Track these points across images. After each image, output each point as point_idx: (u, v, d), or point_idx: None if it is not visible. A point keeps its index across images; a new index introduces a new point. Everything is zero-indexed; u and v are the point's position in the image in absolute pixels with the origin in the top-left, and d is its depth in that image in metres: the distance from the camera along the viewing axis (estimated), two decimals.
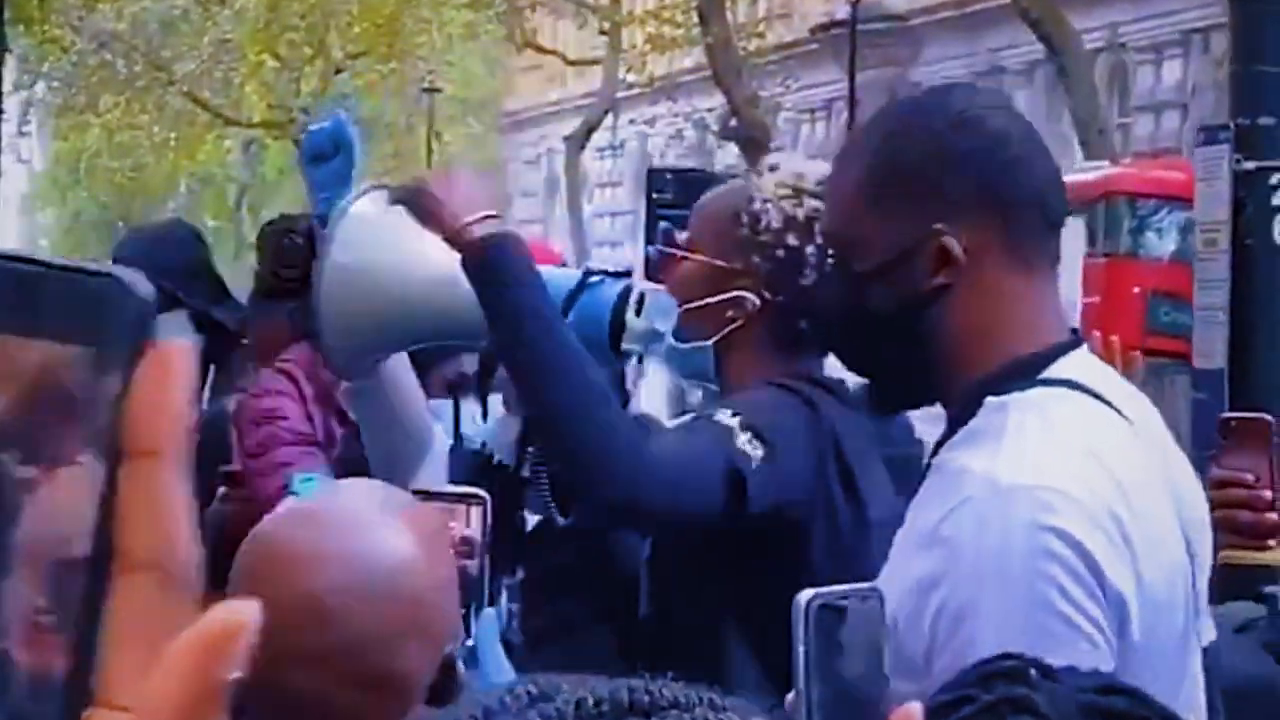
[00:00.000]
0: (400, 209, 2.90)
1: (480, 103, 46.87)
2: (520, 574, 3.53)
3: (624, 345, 2.94)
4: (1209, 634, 2.34)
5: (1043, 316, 2.21)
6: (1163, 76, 30.77)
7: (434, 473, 3.53)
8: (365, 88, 41.66)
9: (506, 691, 1.01)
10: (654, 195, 3.55)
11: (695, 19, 31.28)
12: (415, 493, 2.34)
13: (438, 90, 42.25)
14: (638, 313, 2.93)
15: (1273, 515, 3.03)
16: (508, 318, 2.68)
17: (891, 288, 2.22)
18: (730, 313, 3.03)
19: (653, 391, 4.36)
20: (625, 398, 3.35)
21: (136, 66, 41.68)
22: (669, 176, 3.50)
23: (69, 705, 0.65)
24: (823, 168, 3.05)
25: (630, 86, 36.91)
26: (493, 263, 2.74)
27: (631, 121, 39.96)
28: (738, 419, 2.83)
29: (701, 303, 3.04)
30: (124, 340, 0.68)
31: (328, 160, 3.45)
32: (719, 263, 3.04)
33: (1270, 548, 3.08)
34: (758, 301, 3.03)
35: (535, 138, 50.40)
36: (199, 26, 40.83)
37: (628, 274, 2.98)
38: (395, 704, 1.84)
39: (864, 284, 2.24)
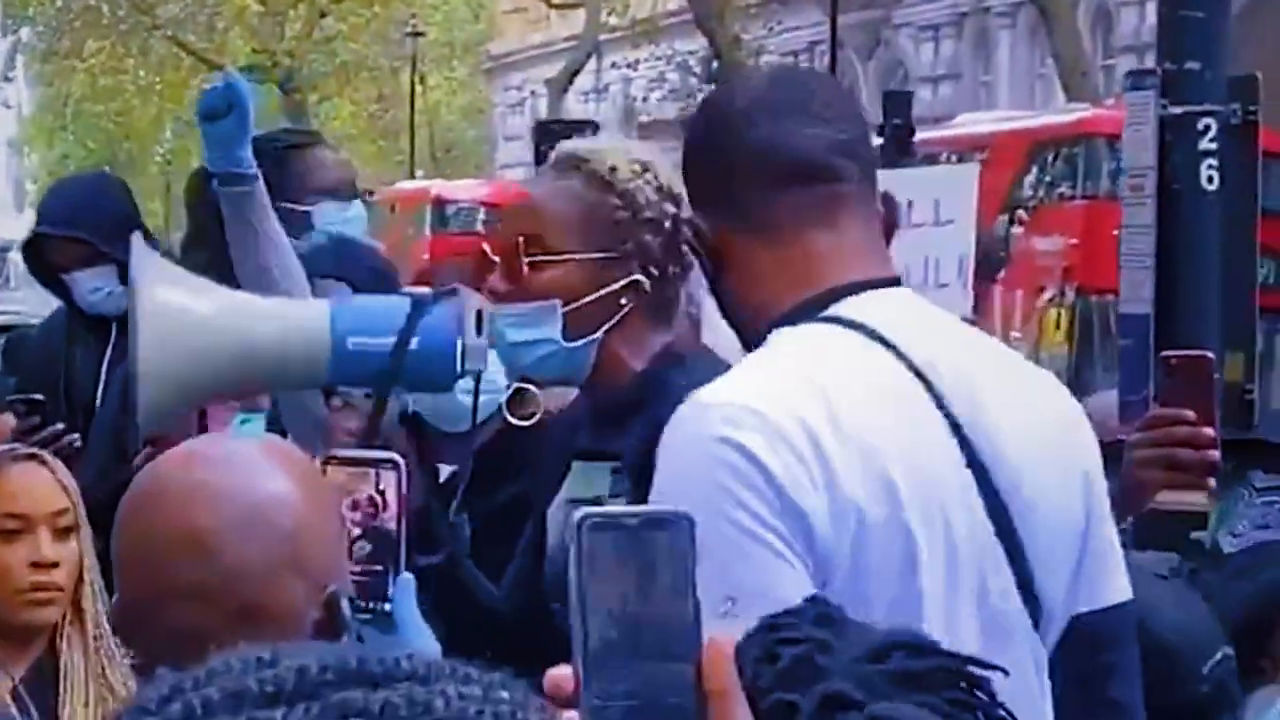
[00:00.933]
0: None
1: (464, 46, 46.73)
2: None
3: (467, 366, 2.88)
4: (1114, 592, 2.33)
5: (807, 270, 2.27)
6: (1146, 18, 30.67)
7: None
8: (349, 31, 41.55)
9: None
10: (542, 149, 3.55)
11: None
12: (331, 458, 2.35)
13: (421, 34, 42.11)
14: (478, 330, 2.87)
15: (1213, 453, 3.06)
16: None
17: (699, 264, 2.41)
18: (623, 299, 2.97)
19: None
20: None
21: (121, 11, 41.57)
22: (555, 128, 3.50)
23: None
24: (656, 146, 3.13)
25: (613, 29, 36.81)
26: None
27: (614, 65, 39.87)
28: None
29: (592, 297, 2.97)
30: None
31: (221, 119, 3.47)
32: (602, 255, 2.97)
33: (1208, 486, 3.11)
34: (647, 281, 2.98)
35: (519, 81, 50.23)
36: None
37: (451, 292, 2.92)
38: (274, 638, 1.87)
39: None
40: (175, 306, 2.80)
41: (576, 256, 2.98)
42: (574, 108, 45.33)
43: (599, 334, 2.98)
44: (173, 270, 2.96)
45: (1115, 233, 20.54)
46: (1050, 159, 20.71)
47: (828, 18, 31.47)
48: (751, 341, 2.32)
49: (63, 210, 5.16)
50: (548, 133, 3.66)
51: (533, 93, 48.30)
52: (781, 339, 2.23)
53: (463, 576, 3.12)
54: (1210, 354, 3.12)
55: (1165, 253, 5.16)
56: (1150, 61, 24.47)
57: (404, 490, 2.33)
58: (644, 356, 2.99)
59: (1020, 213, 19.97)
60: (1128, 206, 5.29)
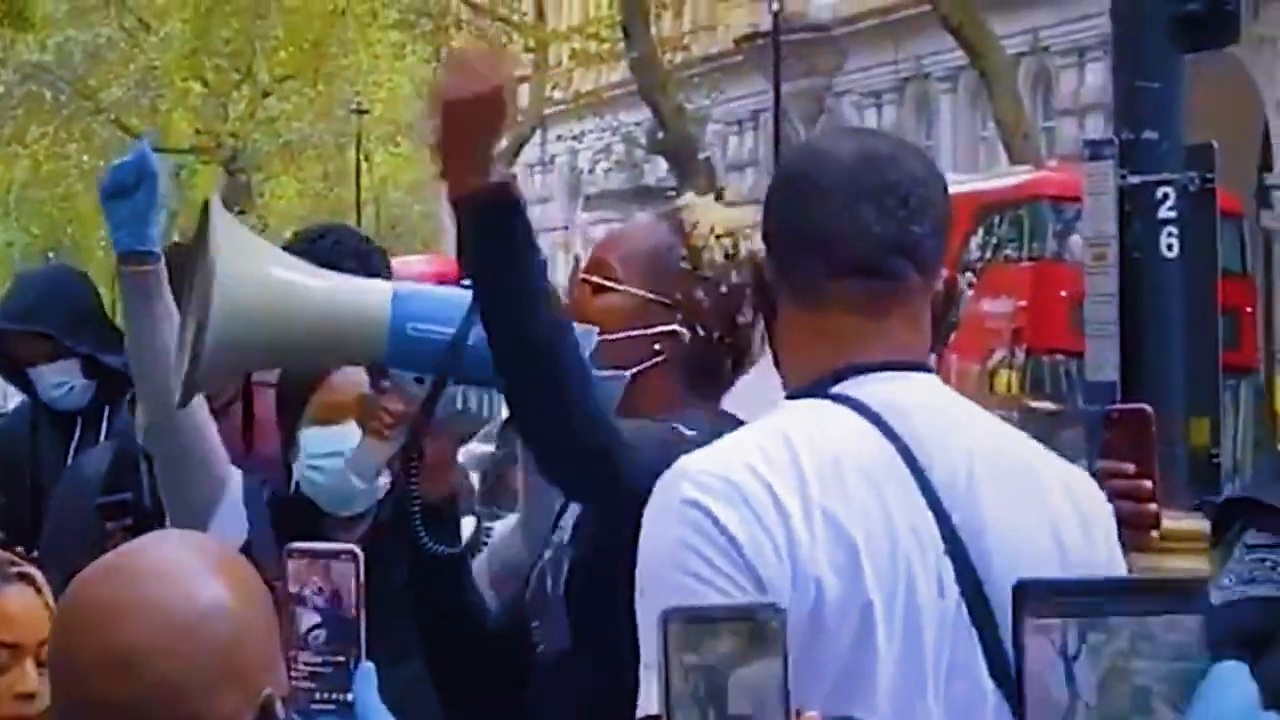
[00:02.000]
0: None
1: (409, 122, 46.81)
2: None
3: None
4: None
5: (835, 348, 2.33)
6: (1086, 79, 30.91)
7: (231, 515, 3.47)
8: (293, 110, 41.59)
9: None
10: None
11: (619, 34, 31.32)
12: (291, 550, 2.34)
13: (366, 111, 42.16)
14: None
15: (1153, 506, 3.07)
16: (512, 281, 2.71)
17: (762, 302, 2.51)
18: (658, 345, 3.01)
19: None
20: None
21: (63, 96, 41.52)
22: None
23: None
24: (752, 215, 3.12)
25: (557, 103, 36.93)
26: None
27: (560, 137, 39.97)
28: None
29: (628, 334, 3.01)
30: None
31: (130, 195, 3.35)
32: (652, 296, 3.02)
33: (1153, 539, 3.12)
34: (688, 336, 3.01)
35: None
36: (125, 55, 40.72)
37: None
38: None
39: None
40: (248, 272, 2.78)
41: (628, 290, 3.04)
42: (520, 181, 45.42)
43: (627, 373, 2.99)
44: (249, 237, 2.93)
45: (1063, 293, 20.65)
46: (996, 221, 20.86)
47: (771, 86, 31.66)
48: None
49: (23, 305, 5.16)
50: None
51: None
52: (781, 411, 2.31)
53: (465, 575, 3.09)
54: (1148, 408, 3.15)
55: (1129, 320, 5.21)
56: (1091, 123, 24.79)
57: (361, 579, 2.33)
58: (657, 411, 2.99)
59: (968, 275, 20.10)
60: (1090, 275, 5.34)
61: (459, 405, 2.96)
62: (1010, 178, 21.99)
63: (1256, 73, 26.40)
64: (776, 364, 2.43)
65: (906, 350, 2.35)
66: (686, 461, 2.23)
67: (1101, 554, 2.35)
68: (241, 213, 41.21)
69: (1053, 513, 2.32)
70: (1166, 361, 5.27)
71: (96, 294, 5.36)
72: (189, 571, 1.94)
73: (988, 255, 20.74)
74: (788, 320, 2.37)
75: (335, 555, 2.35)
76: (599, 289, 3.05)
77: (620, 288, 3.04)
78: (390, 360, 2.90)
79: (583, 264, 3.19)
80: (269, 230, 44.25)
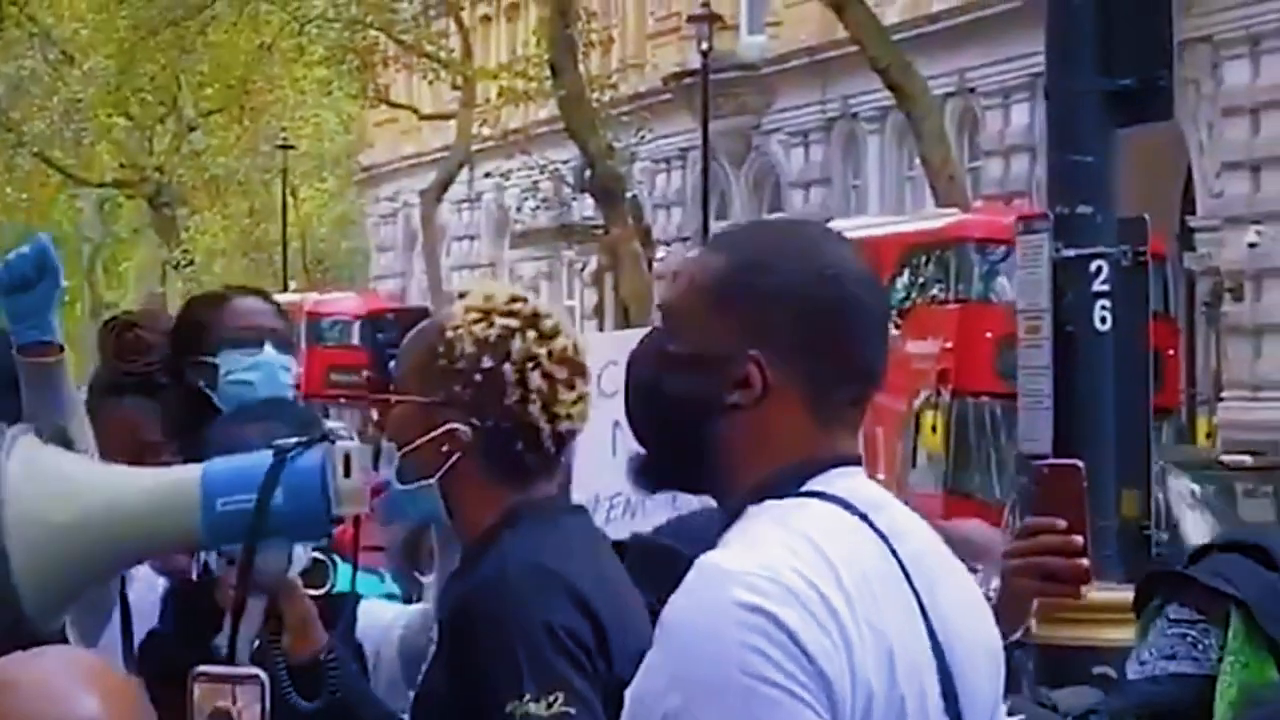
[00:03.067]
0: (55, 447, 2.85)
1: (335, 158, 46.76)
2: None
3: (339, 511, 2.87)
4: None
5: (817, 455, 2.29)
6: (1011, 120, 31.11)
7: (111, 640, 3.46)
8: (218, 145, 41.47)
9: None
10: (378, 336, 3.54)
11: (547, 72, 31.34)
12: (200, 674, 2.32)
13: (292, 147, 42.12)
14: (346, 473, 2.86)
15: (1084, 561, 3.08)
16: None
17: (691, 380, 2.32)
18: (445, 447, 3.00)
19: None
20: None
21: None
22: (390, 317, 3.50)
23: None
24: (510, 289, 3.12)
25: (485, 139, 36.92)
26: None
27: (487, 174, 39.94)
28: (526, 697, 2.79)
29: (416, 443, 3.02)
30: None
31: (32, 288, 3.29)
32: (424, 400, 3.03)
33: (1082, 595, 3.13)
34: (469, 431, 3.00)
35: (391, 192, 50.28)
36: (49, 87, 40.49)
37: (323, 438, 2.91)
38: None
39: (670, 363, 2.34)
40: (40, 514, 2.75)
41: (405, 399, 3.05)
42: (447, 218, 45.40)
43: (431, 480, 3.00)
44: (38, 465, 2.87)
45: (989, 335, 20.70)
46: (922, 262, 20.94)
47: (699, 124, 31.73)
48: (684, 477, 2.37)
49: None
50: (379, 321, 3.75)
51: (405, 203, 48.35)
52: (779, 511, 2.25)
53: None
54: (1079, 463, 3.16)
55: (1062, 393, 5.22)
56: (1016, 164, 24.87)
57: (266, 704, 2.31)
58: (495, 512, 3.00)
59: (894, 316, 20.17)
60: (1024, 349, 5.36)
61: (287, 563, 3.03)
62: (936, 219, 22.08)
63: (1181, 115, 26.63)
64: (697, 451, 2.33)
65: (851, 441, 2.36)
66: (724, 562, 2.16)
67: (999, 648, 2.41)
68: (167, 248, 41.10)
69: (972, 598, 2.37)
70: (1098, 434, 5.29)
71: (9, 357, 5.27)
72: (64, 687, 1.94)
73: (914, 296, 20.81)
74: (782, 428, 2.29)
75: (240, 679, 2.33)
76: (385, 405, 3.08)
77: (400, 398, 3.05)
78: (210, 542, 2.93)
79: None
80: (195, 266, 44.15)
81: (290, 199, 43.15)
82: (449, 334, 3.03)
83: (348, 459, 2.81)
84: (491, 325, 3.03)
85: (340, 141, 46.75)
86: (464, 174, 39.76)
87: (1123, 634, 5.16)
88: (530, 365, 3.01)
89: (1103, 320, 5.15)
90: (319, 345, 27.89)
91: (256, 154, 42.11)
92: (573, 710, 2.77)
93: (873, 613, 2.17)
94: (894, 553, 2.25)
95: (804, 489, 2.26)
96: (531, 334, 3.02)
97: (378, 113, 45.24)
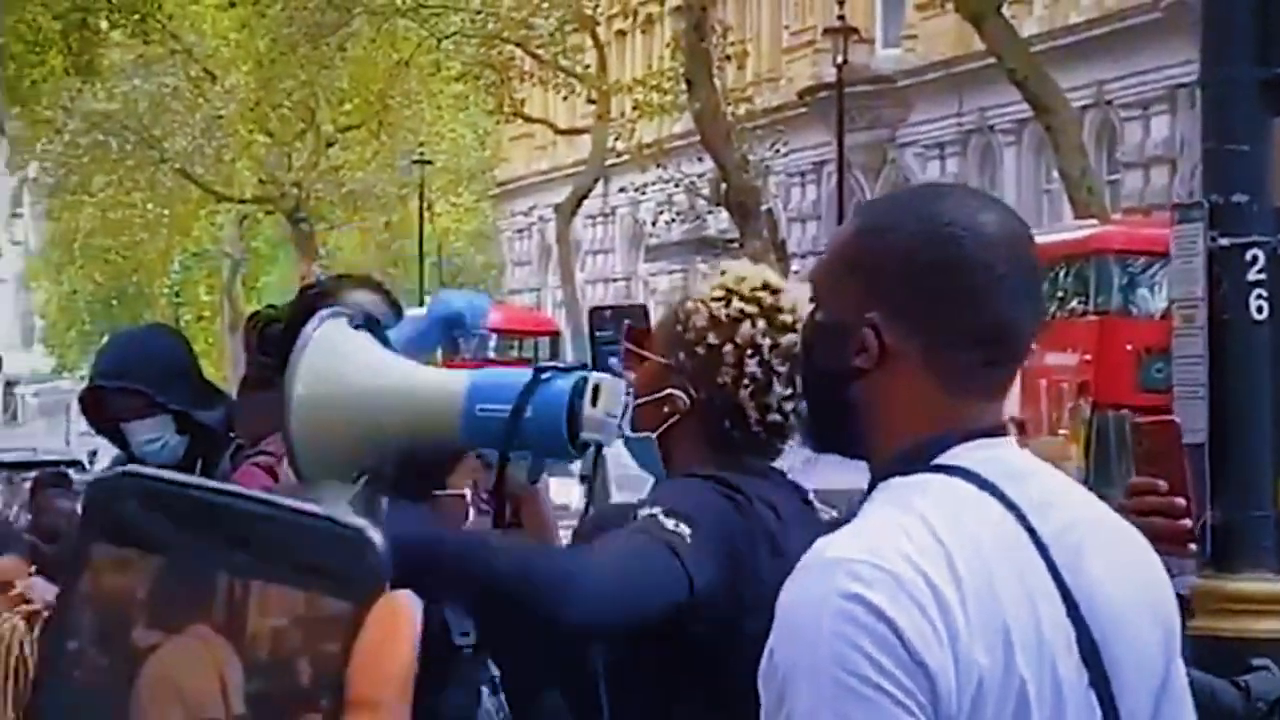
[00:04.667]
0: (363, 333, 2.95)
1: (471, 173, 47.04)
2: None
3: (582, 436, 2.99)
4: None
5: (953, 425, 2.28)
6: (1151, 132, 30.88)
7: None
8: (356, 161, 41.83)
9: None
10: (596, 334, 3.63)
11: (682, 85, 31.39)
12: None
13: (428, 162, 42.40)
14: (594, 403, 2.98)
15: (1187, 522, 3.06)
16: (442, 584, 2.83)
17: (826, 347, 2.34)
18: (665, 409, 3.15)
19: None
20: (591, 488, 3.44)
21: (128, 145, 41.85)
22: (608, 314, 3.62)
23: None
24: (770, 276, 3.22)
25: (620, 154, 37.02)
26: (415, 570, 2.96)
27: (622, 189, 40.07)
28: (658, 508, 2.93)
29: (644, 399, 3.17)
30: (360, 591, 0.70)
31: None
32: (659, 360, 3.19)
33: (1189, 552, 3.12)
34: (687, 399, 3.14)
35: (526, 206, 50.54)
36: (190, 104, 41.02)
37: (581, 366, 3.04)
38: None
39: (812, 330, 2.39)
40: (324, 396, 2.90)
41: (650, 357, 3.22)
42: (582, 232, 45.56)
43: (651, 435, 3.16)
44: (334, 344, 3.04)
45: (1129, 347, 20.41)
46: (1061, 275, 20.81)
47: (834, 138, 31.69)
48: (838, 441, 2.38)
49: (116, 363, 5.22)
50: (597, 316, 3.81)
51: (540, 218, 48.58)
52: (900, 490, 2.24)
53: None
54: (1177, 419, 3.13)
55: (1217, 383, 5.18)
56: (1156, 176, 24.58)
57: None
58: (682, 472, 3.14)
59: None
60: (1179, 338, 5.32)
61: (534, 475, 3.16)
62: (1075, 231, 21.94)
63: None
64: (842, 414, 2.35)
65: (996, 412, 2.33)
66: (831, 550, 2.16)
67: (1173, 612, 2.37)
68: (305, 262, 41.49)
69: (1139, 567, 2.34)
70: (1255, 424, 5.24)
71: (190, 351, 5.41)
72: None
73: (1052, 309, 20.69)
74: (908, 394, 2.29)
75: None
76: (633, 359, 3.25)
77: (643, 353, 3.23)
78: (464, 442, 3.06)
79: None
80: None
81: (426, 213, 43.42)
82: (689, 305, 3.18)
83: (596, 389, 2.93)
84: (729, 305, 3.15)
85: (476, 156, 47.03)
86: (599, 188, 39.90)
87: (1271, 624, 5.12)
88: (750, 353, 3.12)
89: (1259, 309, 5.10)
90: (454, 358, 28.06)
91: (393, 169, 42.43)
92: (688, 533, 2.89)
93: (987, 595, 2.15)
94: (1029, 527, 2.22)
95: (935, 463, 2.25)
96: (763, 323, 3.13)
97: (513, 127, 45.52)
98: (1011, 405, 2.47)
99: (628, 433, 3.13)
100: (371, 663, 0.68)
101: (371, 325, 2.91)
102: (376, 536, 0.71)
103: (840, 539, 2.18)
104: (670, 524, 2.89)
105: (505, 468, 2.99)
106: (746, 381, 3.11)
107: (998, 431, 2.31)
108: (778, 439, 3.18)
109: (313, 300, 4.16)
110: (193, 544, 0.71)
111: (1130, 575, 2.30)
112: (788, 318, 3.12)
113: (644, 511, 2.93)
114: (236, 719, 0.70)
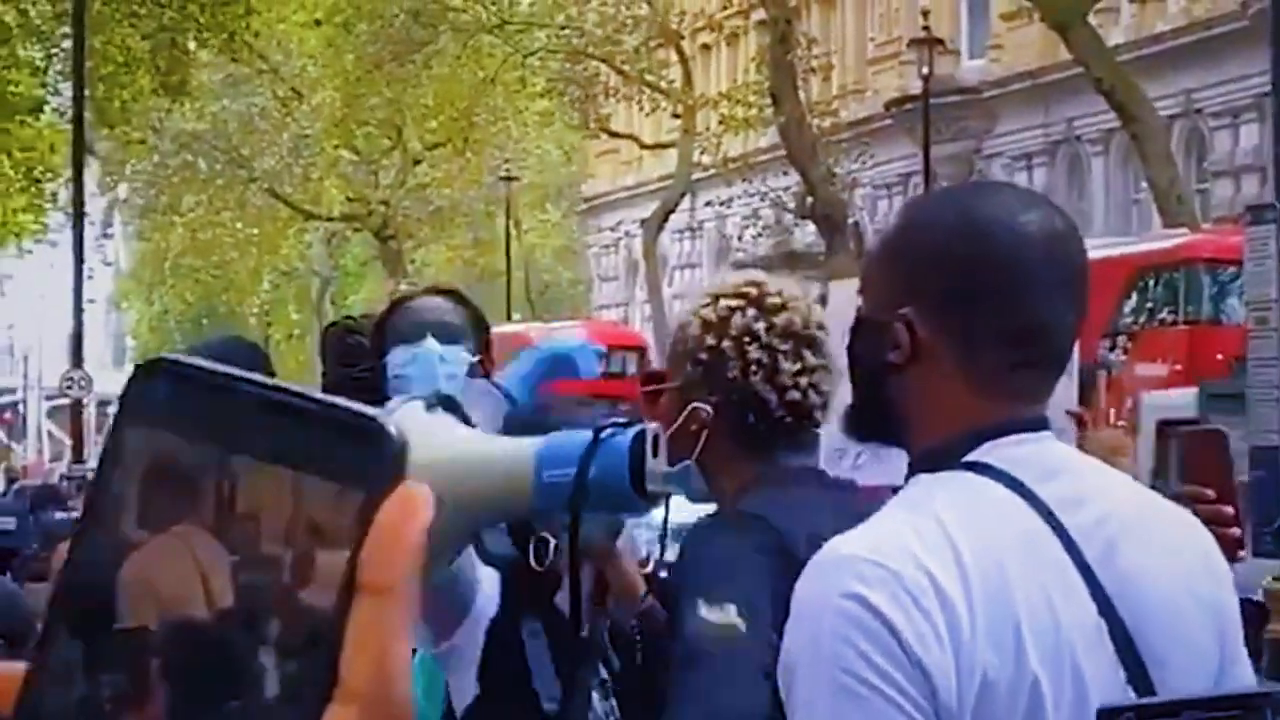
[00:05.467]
0: (439, 413, 2.97)
1: (557, 189, 47.15)
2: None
3: (649, 488, 2.96)
4: None
5: (986, 423, 2.25)
6: (1240, 141, 30.64)
7: (470, 639, 3.61)
8: (443, 178, 42.00)
9: None
10: None
11: (768, 99, 31.38)
12: None
13: (515, 178, 42.52)
14: (654, 453, 2.95)
15: (1236, 531, 3.03)
16: None
17: (865, 340, 2.36)
18: (693, 427, 3.15)
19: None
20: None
21: (217, 165, 42.19)
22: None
23: None
24: (755, 274, 3.26)
25: (705, 168, 37.03)
26: None
27: (708, 203, 40.06)
28: (700, 599, 2.91)
29: (672, 428, 3.14)
30: (378, 481, 0.71)
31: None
32: (670, 386, 3.22)
33: (1239, 559, 3.08)
34: (709, 409, 3.14)
35: (613, 222, 50.61)
36: (278, 123, 41.32)
37: (639, 421, 3.02)
38: None
39: (857, 324, 2.39)
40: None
41: (662, 389, 3.25)
42: (669, 247, 45.57)
43: (690, 459, 3.10)
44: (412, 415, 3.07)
45: (1220, 357, 20.23)
46: (1150, 284, 20.67)
47: (920, 149, 31.59)
48: (876, 431, 2.39)
49: None
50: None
51: (627, 233, 48.62)
52: (922, 488, 2.24)
53: None
54: (1223, 429, 3.10)
55: None
56: (1246, 185, 24.39)
57: None
58: (740, 480, 3.14)
59: (1121, 339, 19.94)
60: (1252, 340, 5.27)
61: (609, 534, 3.22)
62: (1164, 240, 21.79)
63: None
64: (880, 407, 2.35)
65: (1032, 406, 2.30)
66: (841, 546, 2.18)
67: (1230, 603, 2.33)
68: (394, 280, 41.70)
69: (1191, 559, 2.29)
70: None
71: (267, 364, 5.40)
72: None
73: (1141, 319, 20.55)
74: (939, 391, 2.28)
75: None
76: (656, 396, 3.26)
77: (658, 388, 3.26)
78: (536, 508, 3.06)
79: None
80: None
81: (513, 230, 43.53)
82: (683, 320, 3.23)
83: (656, 440, 2.90)
84: (716, 306, 3.17)
85: (563, 172, 47.15)
86: (685, 203, 39.91)
87: None
88: (748, 340, 3.13)
89: None
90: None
91: (480, 186, 42.58)
92: (743, 626, 2.87)
93: (999, 594, 2.13)
94: (1057, 524, 2.19)
95: (965, 460, 2.23)
96: (752, 311, 3.14)
97: (599, 143, 45.60)
98: (1070, 398, 2.42)
99: (665, 468, 3.12)
100: (384, 550, 0.69)
101: (449, 405, 2.93)
102: (394, 429, 0.72)
103: (852, 536, 2.19)
104: (716, 619, 2.88)
105: (577, 531, 2.99)
106: (754, 368, 3.12)
107: (1034, 426, 2.28)
108: (805, 421, 3.17)
109: (386, 312, 4.14)
110: (213, 429, 0.73)
111: (1178, 568, 2.26)
112: (776, 299, 3.16)
113: (687, 609, 2.92)
114: (231, 612, 0.72)
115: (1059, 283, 2.28)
